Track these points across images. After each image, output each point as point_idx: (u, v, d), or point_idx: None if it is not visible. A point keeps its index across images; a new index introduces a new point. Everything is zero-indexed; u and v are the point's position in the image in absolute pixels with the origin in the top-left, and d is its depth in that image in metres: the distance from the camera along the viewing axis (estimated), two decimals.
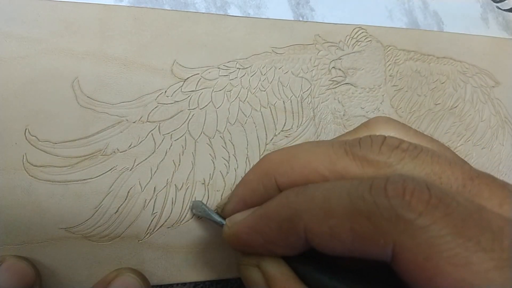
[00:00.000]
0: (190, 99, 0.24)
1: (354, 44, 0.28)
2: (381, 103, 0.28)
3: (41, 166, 0.21)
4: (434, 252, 0.12)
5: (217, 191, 0.23)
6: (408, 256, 0.13)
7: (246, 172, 0.24)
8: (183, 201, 0.23)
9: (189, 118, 0.24)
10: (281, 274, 0.16)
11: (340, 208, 0.14)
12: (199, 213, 0.22)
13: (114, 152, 0.22)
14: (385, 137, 0.17)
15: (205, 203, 0.23)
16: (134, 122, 0.23)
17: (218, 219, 0.21)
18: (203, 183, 0.23)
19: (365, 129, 0.19)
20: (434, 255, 0.12)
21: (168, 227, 0.22)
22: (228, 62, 0.25)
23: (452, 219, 0.12)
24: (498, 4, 0.34)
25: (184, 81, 0.24)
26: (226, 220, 0.19)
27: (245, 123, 0.25)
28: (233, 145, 0.24)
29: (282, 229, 0.16)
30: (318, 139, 0.26)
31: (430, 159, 0.15)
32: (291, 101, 0.26)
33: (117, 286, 0.20)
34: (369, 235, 0.13)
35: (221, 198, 0.23)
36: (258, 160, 0.23)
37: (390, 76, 0.28)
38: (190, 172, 0.23)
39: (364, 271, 0.16)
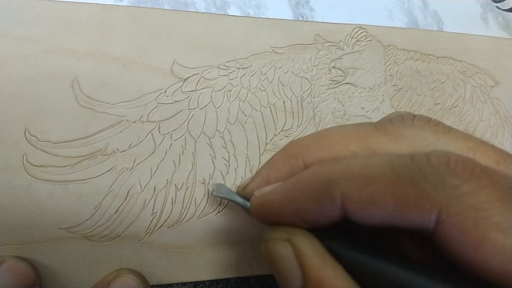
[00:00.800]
0: (190, 99, 0.24)
1: (354, 44, 0.28)
2: (381, 102, 0.28)
3: (41, 166, 0.21)
4: (482, 218, 0.12)
5: None
6: (455, 222, 0.12)
7: (246, 172, 0.24)
8: (183, 201, 0.23)
9: (189, 118, 0.23)
10: (313, 249, 0.15)
11: (381, 175, 0.13)
12: (221, 195, 0.22)
13: (114, 152, 0.22)
14: (414, 115, 0.16)
15: (206, 200, 0.23)
16: (134, 122, 0.22)
17: (241, 200, 0.20)
18: (203, 183, 0.23)
19: (382, 119, 0.19)
20: (482, 221, 0.12)
21: (168, 227, 0.22)
22: (228, 61, 0.25)
23: (499, 187, 0.12)
24: (498, 4, 0.34)
25: (184, 81, 0.24)
26: (255, 192, 0.18)
27: (245, 123, 0.25)
28: (233, 145, 0.24)
29: (318, 196, 0.15)
30: None
31: (462, 135, 0.15)
32: (291, 101, 0.26)
33: (117, 287, 0.20)
34: (413, 200, 0.13)
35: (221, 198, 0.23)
36: (258, 158, 0.23)
37: (390, 75, 0.28)
38: (190, 172, 0.23)
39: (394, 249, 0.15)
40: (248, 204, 0.20)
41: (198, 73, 0.24)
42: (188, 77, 0.24)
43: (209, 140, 0.24)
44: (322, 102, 0.27)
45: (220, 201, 0.23)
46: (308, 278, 0.15)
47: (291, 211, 0.16)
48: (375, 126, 0.16)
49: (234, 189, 0.22)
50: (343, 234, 0.16)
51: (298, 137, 0.19)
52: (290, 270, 0.15)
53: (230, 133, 0.24)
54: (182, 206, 0.23)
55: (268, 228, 0.17)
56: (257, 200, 0.17)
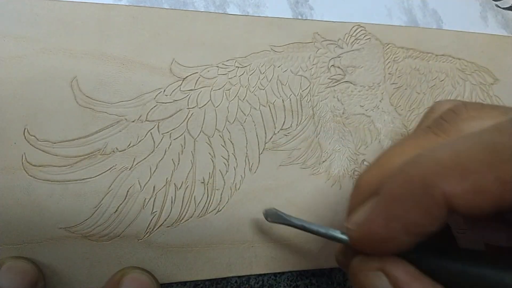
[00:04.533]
0: (189, 98, 0.24)
1: (353, 42, 0.28)
2: (380, 101, 0.28)
3: (40, 166, 0.21)
4: None
5: (217, 189, 0.23)
6: None
7: (246, 171, 0.24)
8: (183, 200, 0.23)
9: (188, 117, 0.23)
10: (409, 274, 0.14)
11: (477, 160, 0.13)
12: (277, 220, 0.21)
13: (113, 151, 0.22)
14: (464, 104, 0.16)
15: (205, 199, 0.23)
16: (133, 121, 0.22)
17: (299, 222, 0.19)
18: (202, 182, 0.23)
19: (431, 114, 0.18)
20: None
21: (168, 226, 0.22)
22: (227, 60, 0.25)
23: None
24: (498, 3, 0.34)
25: (183, 80, 0.24)
26: (347, 224, 0.16)
27: (244, 121, 0.25)
28: (233, 144, 0.24)
29: (421, 204, 0.14)
30: (317, 137, 0.26)
31: None
32: (290, 100, 0.26)
33: (128, 283, 0.20)
34: None
35: (220, 197, 0.23)
36: (258, 157, 0.23)
37: (389, 74, 0.28)
38: (190, 171, 0.23)
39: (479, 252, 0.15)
40: (310, 227, 0.19)
41: (197, 72, 0.24)
42: (187, 76, 0.24)
43: (208, 139, 0.24)
44: (321, 101, 0.26)
45: (220, 200, 0.23)
46: None
47: (400, 231, 0.14)
48: (432, 130, 0.16)
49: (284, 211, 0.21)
50: (424, 249, 0.15)
51: (361, 174, 0.18)
52: None
53: (229, 132, 0.24)
54: (182, 206, 0.23)
55: (354, 260, 0.16)
56: (357, 234, 0.16)
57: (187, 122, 0.23)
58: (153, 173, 0.22)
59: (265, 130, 0.25)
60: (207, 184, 0.23)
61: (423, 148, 0.15)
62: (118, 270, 0.21)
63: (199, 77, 0.24)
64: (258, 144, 0.25)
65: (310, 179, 0.25)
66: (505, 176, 0.12)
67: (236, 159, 0.24)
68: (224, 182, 0.24)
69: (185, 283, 0.23)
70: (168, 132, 0.23)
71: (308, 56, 0.26)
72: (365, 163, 0.27)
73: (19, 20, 0.21)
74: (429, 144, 0.15)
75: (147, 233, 0.22)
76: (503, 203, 0.13)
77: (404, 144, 0.16)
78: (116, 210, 0.22)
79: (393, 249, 0.15)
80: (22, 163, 0.21)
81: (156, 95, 0.23)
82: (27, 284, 0.19)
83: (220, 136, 0.24)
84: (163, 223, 0.22)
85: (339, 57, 0.27)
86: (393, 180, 0.15)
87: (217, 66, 0.24)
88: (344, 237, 0.17)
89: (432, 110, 0.18)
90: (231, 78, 0.25)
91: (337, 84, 0.27)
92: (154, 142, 0.23)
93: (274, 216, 0.21)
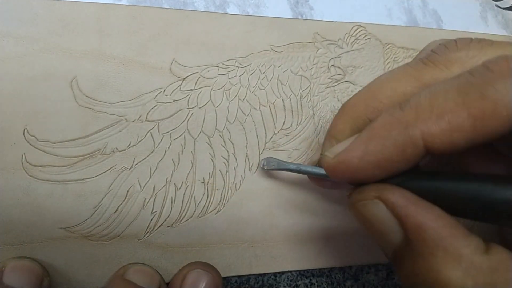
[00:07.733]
0: (189, 98, 0.24)
1: (353, 42, 0.28)
2: None
3: (40, 166, 0.21)
4: None
5: (217, 189, 0.23)
6: None
7: (246, 171, 0.24)
8: (183, 200, 0.23)
9: (188, 117, 0.23)
10: (405, 198, 0.15)
11: (451, 101, 0.14)
12: (273, 167, 0.23)
13: (113, 151, 0.22)
14: (454, 39, 0.17)
15: (205, 200, 0.23)
16: (133, 121, 0.22)
17: (294, 166, 0.22)
18: (202, 182, 0.23)
19: (426, 48, 0.19)
20: None
21: (168, 226, 0.22)
22: (227, 60, 0.25)
23: None
24: (498, 3, 0.34)
25: (183, 80, 0.24)
26: (325, 152, 0.18)
27: (245, 121, 0.25)
28: (233, 144, 0.24)
29: (398, 144, 0.15)
30: (317, 138, 0.26)
31: (507, 43, 0.16)
32: (290, 100, 0.26)
33: (133, 274, 0.20)
34: (489, 112, 0.13)
35: (220, 197, 0.23)
36: (258, 157, 0.24)
37: None
38: (190, 171, 0.23)
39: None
40: (306, 169, 0.21)
41: (197, 72, 0.24)
42: (187, 76, 0.24)
43: (209, 139, 0.24)
44: (321, 101, 0.26)
45: (220, 200, 0.23)
46: (408, 227, 0.15)
47: (373, 164, 0.16)
48: (423, 61, 0.17)
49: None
50: (411, 173, 0.16)
51: (350, 98, 0.19)
52: (388, 225, 0.16)
53: (229, 132, 0.24)
54: (182, 206, 0.23)
55: (352, 193, 0.17)
56: (333, 161, 0.17)
57: (187, 122, 0.23)
58: (153, 173, 0.22)
59: (265, 130, 0.25)
60: (207, 184, 0.23)
61: (413, 77, 0.17)
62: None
63: (199, 77, 0.24)
64: (258, 144, 0.25)
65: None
66: (476, 112, 0.14)
67: (236, 159, 0.24)
68: (224, 182, 0.24)
69: None
70: (168, 132, 0.23)
71: (308, 56, 0.26)
72: None
73: (19, 19, 0.21)
74: (419, 73, 0.17)
75: (147, 233, 0.22)
76: (476, 137, 0.14)
77: (394, 73, 0.18)
78: (116, 210, 0.22)
79: (361, 180, 0.16)
80: (22, 163, 0.21)
81: (156, 95, 0.23)
82: (34, 281, 0.19)
83: (220, 136, 0.24)
84: (163, 223, 0.22)
85: (339, 57, 0.27)
86: (377, 120, 0.16)
87: (217, 66, 0.24)
88: None
89: (427, 47, 0.19)
90: (231, 78, 0.25)
91: (337, 84, 0.27)
92: (154, 142, 0.23)
93: (271, 163, 0.23)
